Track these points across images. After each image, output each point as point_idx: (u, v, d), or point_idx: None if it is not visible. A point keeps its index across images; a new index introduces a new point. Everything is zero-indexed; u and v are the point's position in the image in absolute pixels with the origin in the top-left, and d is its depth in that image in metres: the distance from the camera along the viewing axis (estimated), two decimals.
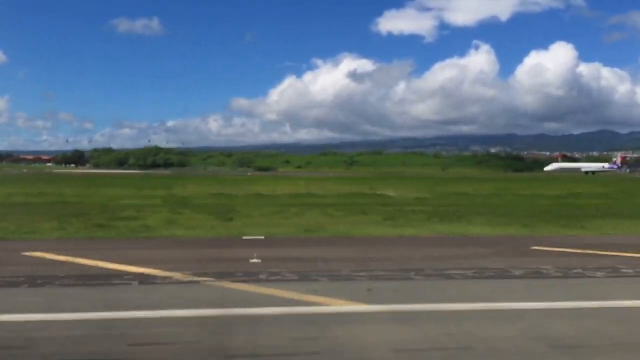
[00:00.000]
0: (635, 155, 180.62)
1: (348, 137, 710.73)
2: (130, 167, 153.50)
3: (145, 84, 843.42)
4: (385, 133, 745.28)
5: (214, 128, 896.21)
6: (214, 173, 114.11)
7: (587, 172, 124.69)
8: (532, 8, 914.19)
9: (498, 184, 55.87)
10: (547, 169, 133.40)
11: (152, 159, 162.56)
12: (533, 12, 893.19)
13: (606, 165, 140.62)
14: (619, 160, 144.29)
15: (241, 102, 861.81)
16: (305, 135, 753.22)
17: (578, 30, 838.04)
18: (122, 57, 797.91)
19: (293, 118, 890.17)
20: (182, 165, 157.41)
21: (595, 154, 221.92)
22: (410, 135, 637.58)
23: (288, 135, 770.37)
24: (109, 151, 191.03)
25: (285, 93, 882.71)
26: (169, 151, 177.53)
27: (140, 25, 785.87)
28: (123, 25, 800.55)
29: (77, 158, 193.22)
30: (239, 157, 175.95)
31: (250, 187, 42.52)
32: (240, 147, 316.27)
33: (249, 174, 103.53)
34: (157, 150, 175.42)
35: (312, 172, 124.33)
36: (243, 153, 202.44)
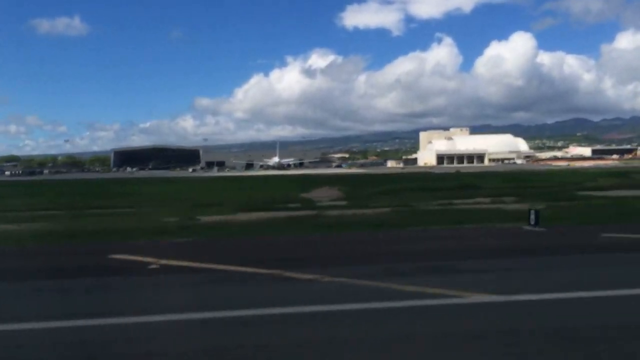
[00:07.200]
0: None
1: (321, 132, 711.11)
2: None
3: (108, 86, 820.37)
4: (358, 127, 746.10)
5: (190, 127, 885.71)
6: None
7: None
8: None
9: None
10: None
11: None
12: (497, 3, 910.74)
13: None
14: None
15: (204, 102, 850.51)
16: (281, 132, 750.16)
17: (541, 18, 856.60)
18: (48, 58, 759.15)
19: (265, 115, 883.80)
20: None
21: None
22: (384, 129, 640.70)
23: (264, 133, 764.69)
24: None
25: (251, 91, 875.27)
26: None
27: (59, 24, 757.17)
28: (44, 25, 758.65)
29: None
30: None
31: None
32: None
33: None
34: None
35: None
36: None
